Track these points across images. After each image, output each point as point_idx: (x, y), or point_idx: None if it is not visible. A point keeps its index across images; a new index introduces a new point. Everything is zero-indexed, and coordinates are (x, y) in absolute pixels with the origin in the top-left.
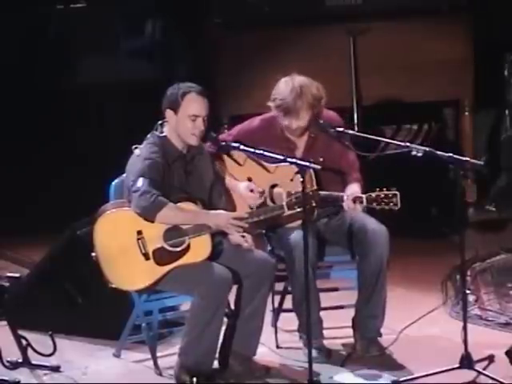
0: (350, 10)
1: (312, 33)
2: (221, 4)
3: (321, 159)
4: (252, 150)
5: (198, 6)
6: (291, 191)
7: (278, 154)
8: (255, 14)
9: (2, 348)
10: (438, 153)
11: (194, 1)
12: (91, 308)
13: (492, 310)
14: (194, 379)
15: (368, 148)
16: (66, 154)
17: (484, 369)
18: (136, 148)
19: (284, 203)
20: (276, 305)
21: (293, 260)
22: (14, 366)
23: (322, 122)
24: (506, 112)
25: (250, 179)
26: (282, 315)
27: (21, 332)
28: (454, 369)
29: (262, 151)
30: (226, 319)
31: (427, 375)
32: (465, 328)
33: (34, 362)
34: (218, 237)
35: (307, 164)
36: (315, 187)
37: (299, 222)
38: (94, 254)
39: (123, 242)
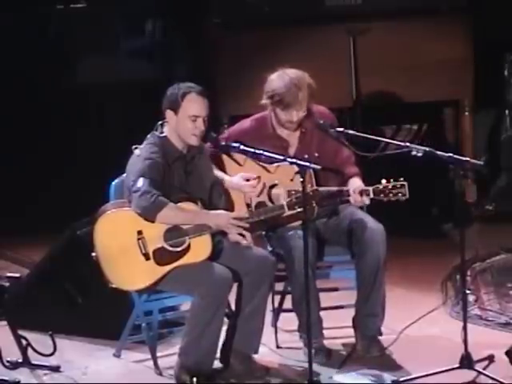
0: (350, 9)
1: (312, 33)
2: (220, 4)
3: (316, 155)
4: (252, 150)
5: (198, 6)
6: (291, 190)
7: (277, 154)
8: (255, 13)
9: (2, 348)
10: (438, 153)
11: (193, 1)
12: (91, 308)
13: (492, 310)
14: (194, 379)
15: (368, 148)
16: (66, 154)
17: (484, 369)
18: (136, 148)
19: (284, 203)
20: (276, 305)
21: (292, 260)
22: (14, 365)
23: (322, 122)
24: (506, 112)
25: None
26: (282, 315)
27: (21, 332)
28: (453, 369)
29: (262, 151)
30: (226, 319)
31: (427, 375)
32: (465, 328)
33: (34, 362)
34: (218, 236)
35: (307, 164)
36: (315, 187)
37: (299, 221)
38: (94, 254)
39: (123, 242)
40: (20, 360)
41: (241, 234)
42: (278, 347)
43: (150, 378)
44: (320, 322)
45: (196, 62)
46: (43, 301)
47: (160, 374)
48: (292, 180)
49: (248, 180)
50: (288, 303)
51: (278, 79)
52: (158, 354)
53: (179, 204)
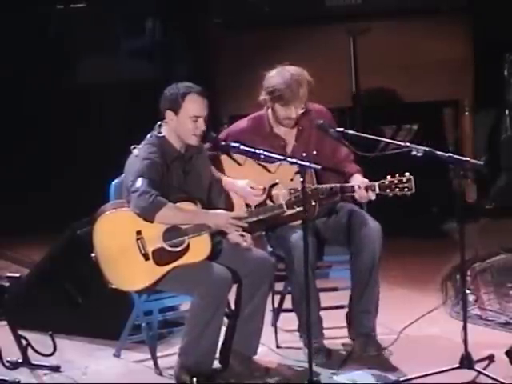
0: (349, 9)
1: (312, 33)
2: (221, 4)
3: (314, 152)
4: (252, 149)
5: (198, 6)
6: (291, 189)
7: (276, 153)
8: (255, 14)
9: (2, 348)
10: (438, 153)
11: (194, 1)
12: (91, 308)
13: (492, 310)
14: (194, 379)
15: (368, 148)
16: (66, 154)
17: (484, 369)
18: (134, 148)
19: (283, 202)
20: (276, 305)
21: (292, 260)
22: (14, 365)
23: (321, 122)
24: (506, 112)
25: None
26: (282, 315)
27: (21, 332)
28: (453, 369)
29: (262, 151)
30: (226, 319)
31: (427, 375)
32: (465, 328)
33: (34, 362)
34: (217, 236)
35: (308, 164)
36: (315, 185)
37: (299, 221)
38: (93, 255)
39: (123, 243)
40: (20, 360)
41: (241, 235)
42: (277, 347)
43: (150, 377)
44: (320, 322)
45: (196, 62)
46: (43, 301)
47: (160, 374)
48: (292, 180)
49: (252, 188)
50: (288, 303)
51: (278, 75)
52: (158, 354)
53: (178, 204)
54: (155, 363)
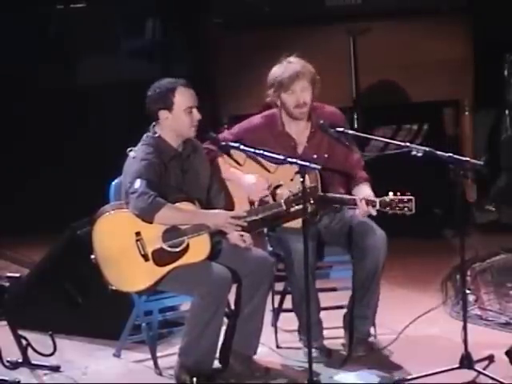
0: (349, 9)
1: (312, 33)
2: (221, 4)
3: (325, 155)
4: (252, 149)
5: (198, 5)
6: (291, 191)
7: (278, 154)
8: (255, 14)
9: (2, 348)
10: (438, 153)
11: (193, 1)
12: (91, 308)
13: (492, 310)
14: (194, 379)
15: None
16: (66, 154)
17: (484, 369)
18: (131, 151)
19: (282, 201)
20: (276, 305)
21: (292, 263)
22: (14, 365)
23: (322, 122)
24: (506, 112)
25: None
26: (282, 315)
27: (21, 332)
28: (453, 369)
29: (262, 151)
30: (225, 319)
31: (427, 375)
32: (465, 328)
33: (34, 362)
34: (217, 236)
35: (308, 164)
36: (314, 184)
37: (299, 220)
38: (93, 257)
39: (122, 244)
40: (20, 360)
41: (240, 235)
42: (278, 347)
43: (150, 377)
44: (320, 324)
45: (196, 62)
46: (43, 301)
47: (160, 374)
48: (292, 180)
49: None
50: (288, 303)
51: (276, 68)
52: (158, 354)
53: (177, 204)
54: (155, 363)
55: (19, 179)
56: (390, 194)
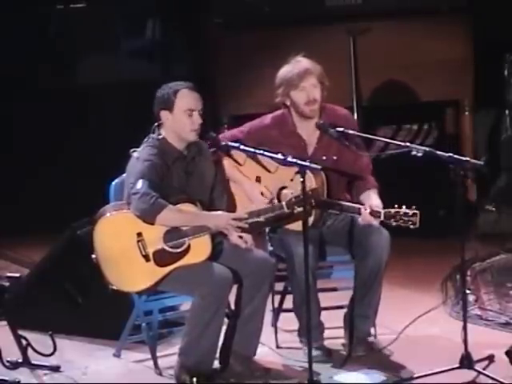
0: (349, 9)
1: (312, 33)
2: (221, 4)
3: (334, 158)
4: (252, 150)
5: (198, 5)
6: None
7: (282, 154)
8: (255, 14)
9: (2, 348)
10: (438, 153)
11: (193, 1)
12: (91, 308)
13: (492, 310)
14: (194, 379)
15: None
16: (66, 154)
17: (484, 369)
18: (134, 151)
19: (284, 203)
20: (276, 305)
21: (293, 265)
22: (14, 365)
23: (322, 122)
24: (506, 112)
25: (258, 178)
26: (282, 315)
27: (21, 332)
28: (453, 369)
29: (262, 151)
30: (226, 319)
31: (427, 375)
32: (465, 328)
33: (34, 362)
34: (218, 237)
35: (307, 164)
36: (315, 186)
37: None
38: (94, 256)
39: (123, 244)
40: (20, 360)
41: (240, 237)
42: (277, 347)
43: (150, 377)
44: (320, 326)
45: (196, 62)
46: (43, 301)
47: (160, 374)
48: (292, 180)
49: (262, 194)
50: (288, 303)
51: (285, 67)
52: (158, 354)
53: (178, 205)
54: (155, 363)
55: (19, 179)
56: (395, 206)
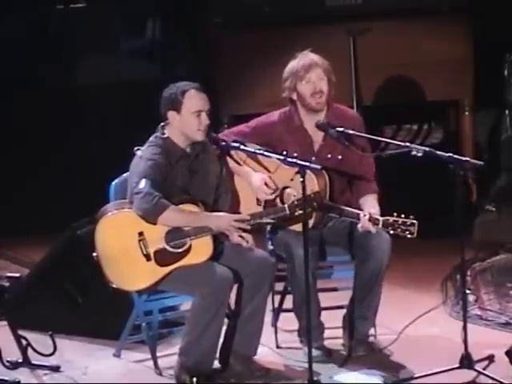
0: (350, 9)
1: (312, 33)
2: (220, 4)
3: (339, 157)
4: (252, 150)
5: (198, 6)
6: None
7: (283, 152)
8: (255, 14)
9: (2, 348)
10: (438, 153)
11: (193, 1)
12: (91, 308)
13: (492, 310)
14: (194, 379)
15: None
16: (66, 154)
17: (484, 369)
18: (138, 150)
19: (286, 205)
20: (276, 305)
21: (293, 265)
22: (14, 365)
23: (322, 121)
24: (506, 112)
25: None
26: (282, 315)
27: (21, 332)
28: (453, 369)
29: (261, 151)
30: (226, 319)
31: (427, 375)
32: (465, 328)
33: (34, 362)
34: (219, 237)
35: (307, 164)
36: (317, 189)
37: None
38: (95, 255)
39: (125, 243)
40: (20, 360)
41: (241, 236)
42: (277, 347)
43: (150, 377)
44: (320, 326)
45: (196, 62)
46: (43, 301)
47: (160, 374)
48: (292, 180)
49: (266, 184)
50: (288, 303)
51: (292, 61)
52: (158, 354)
53: (181, 206)
54: (155, 363)
55: (19, 179)
56: (394, 214)
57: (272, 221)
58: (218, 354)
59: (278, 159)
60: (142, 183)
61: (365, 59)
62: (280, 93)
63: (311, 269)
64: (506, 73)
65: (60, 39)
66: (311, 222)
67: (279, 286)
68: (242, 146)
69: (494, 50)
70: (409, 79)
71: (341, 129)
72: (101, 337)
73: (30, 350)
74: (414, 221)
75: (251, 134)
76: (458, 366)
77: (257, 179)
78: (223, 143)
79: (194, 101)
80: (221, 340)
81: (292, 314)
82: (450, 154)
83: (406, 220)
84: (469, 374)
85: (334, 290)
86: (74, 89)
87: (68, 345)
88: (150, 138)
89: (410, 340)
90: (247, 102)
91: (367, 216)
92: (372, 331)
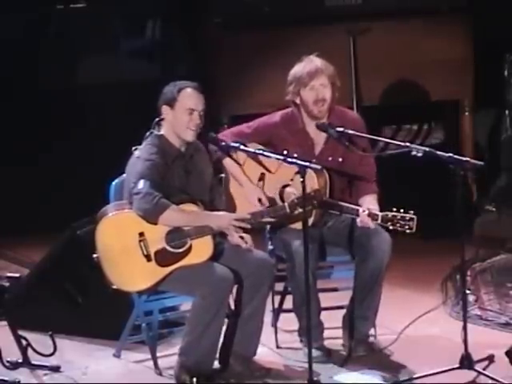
0: (349, 9)
1: (312, 33)
2: (220, 4)
3: (340, 160)
4: (252, 150)
5: (198, 5)
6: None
7: (283, 152)
8: (255, 14)
9: (2, 348)
10: (438, 153)
11: (193, 1)
12: (91, 308)
13: (492, 310)
14: (194, 379)
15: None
16: (66, 154)
17: (484, 369)
18: (136, 149)
19: (286, 204)
20: (276, 305)
21: (293, 265)
22: (14, 365)
23: (321, 122)
24: (506, 112)
25: (262, 176)
26: (282, 315)
27: (21, 332)
28: (453, 369)
29: (261, 152)
30: (226, 319)
31: (427, 375)
32: (465, 328)
33: (34, 362)
34: (218, 237)
35: (307, 164)
36: (317, 187)
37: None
38: (96, 256)
39: (125, 244)
40: (20, 360)
41: (241, 237)
42: (277, 347)
43: (150, 377)
44: (320, 326)
45: (196, 62)
46: (43, 301)
47: (160, 374)
48: (292, 180)
49: (260, 200)
50: (288, 303)
51: (297, 65)
52: (158, 354)
53: (180, 206)
54: (155, 363)
55: (19, 179)
56: (394, 209)
57: (272, 219)
58: (218, 354)
59: (278, 159)
60: (141, 183)
61: (365, 59)
62: (280, 93)
63: (311, 269)
64: (506, 73)
65: (60, 39)
66: (311, 220)
67: (279, 286)
68: (241, 146)
69: (494, 50)
70: (409, 79)
71: (341, 129)
72: (101, 337)
73: (29, 350)
74: (413, 216)
75: (253, 135)
76: (458, 366)
77: (251, 194)
78: (223, 143)
79: (189, 99)
80: (221, 340)
81: (292, 314)
82: (450, 154)
83: (404, 215)
84: (469, 374)
85: (334, 290)
86: (74, 89)
87: (68, 345)
88: (146, 135)
89: (410, 340)
90: (247, 102)
91: (366, 211)
92: (372, 331)
